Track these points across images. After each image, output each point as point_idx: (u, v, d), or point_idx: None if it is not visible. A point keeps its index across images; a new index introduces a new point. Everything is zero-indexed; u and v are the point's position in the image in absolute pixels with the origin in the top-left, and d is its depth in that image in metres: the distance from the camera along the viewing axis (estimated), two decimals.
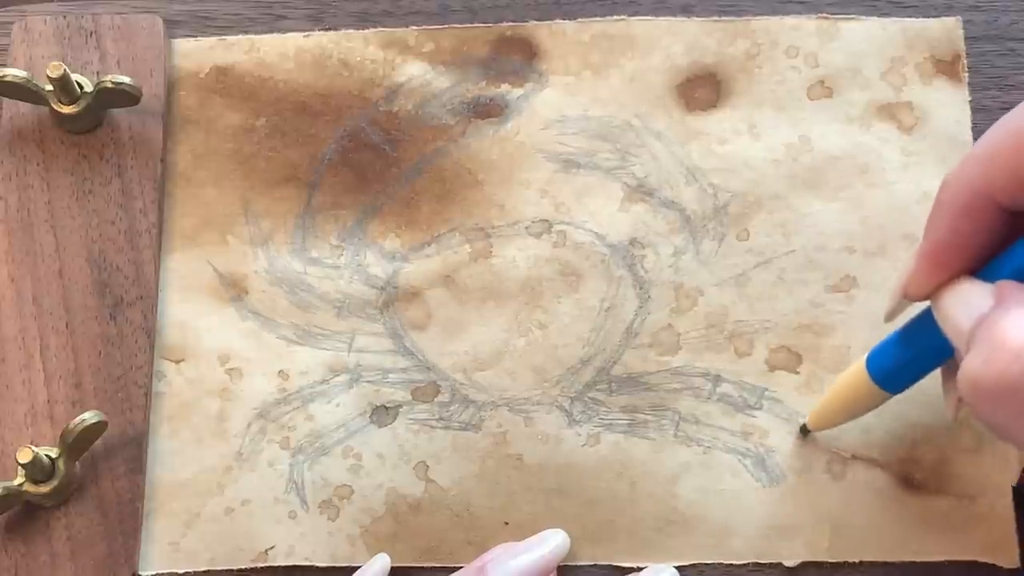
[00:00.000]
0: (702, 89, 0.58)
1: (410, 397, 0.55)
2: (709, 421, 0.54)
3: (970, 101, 0.57)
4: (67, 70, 0.55)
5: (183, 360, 0.56)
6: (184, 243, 0.57)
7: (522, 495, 0.54)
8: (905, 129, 0.57)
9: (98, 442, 0.53)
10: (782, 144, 0.57)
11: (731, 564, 0.53)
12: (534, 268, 0.56)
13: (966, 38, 0.58)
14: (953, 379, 0.46)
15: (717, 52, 0.59)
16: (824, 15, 0.59)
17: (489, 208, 0.57)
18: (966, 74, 0.58)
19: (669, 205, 0.57)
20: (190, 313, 0.56)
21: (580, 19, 0.60)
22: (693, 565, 0.53)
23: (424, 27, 0.60)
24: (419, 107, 0.59)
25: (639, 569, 0.52)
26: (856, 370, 0.50)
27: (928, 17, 0.59)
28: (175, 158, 0.58)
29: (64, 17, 0.59)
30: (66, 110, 0.57)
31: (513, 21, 0.60)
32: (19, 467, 0.51)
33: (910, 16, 0.59)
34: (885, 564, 0.52)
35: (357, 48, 0.59)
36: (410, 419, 0.55)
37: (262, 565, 0.53)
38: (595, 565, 0.53)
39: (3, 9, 0.60)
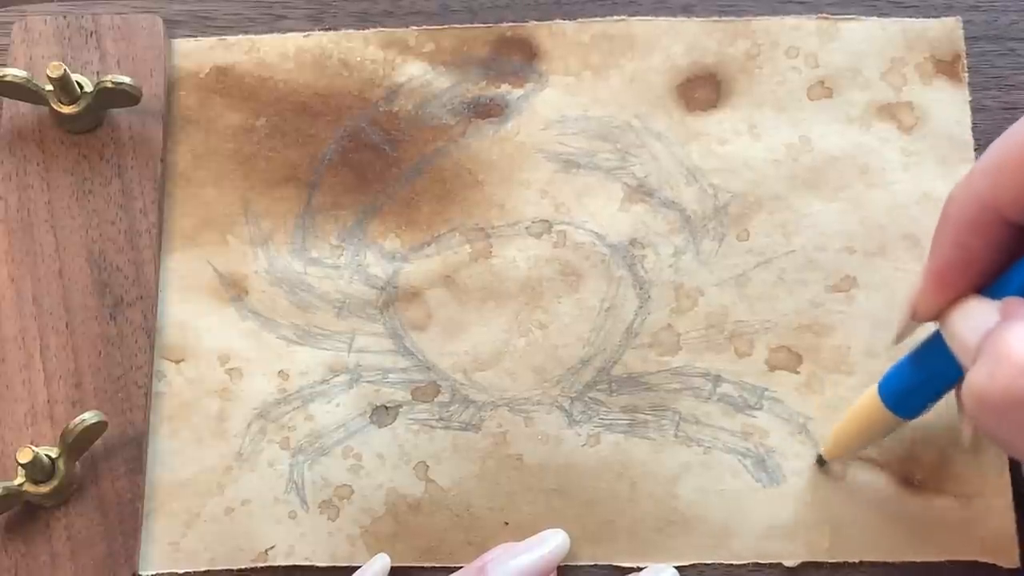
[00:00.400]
0: (702, 89, 0.58)
1: (410, 397, 0.55)
2: (709, 421, 0.54)
3: (970, 101, 0.57)
4: (67, 70, 0.55)
5: (183, 360, 0.56)
6: (184, 243, 0.57)
7: (522, 495, 0.54)
8: (905, 129, 0.57)
9: (98, 442, 0.53)
10: (782, 144, 0.57)
11: (731, 564, 0.53)
12: (534, 268, 0.56)
13: (966, 38, 0.58)
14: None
15: (717, 52, 0.59)
16: (824, 15, 0.59)
17: (489, 208, 0.57)
18: (966, 74, 0.58)
19: (669, 205, 0.57)
20: (190, 313, 0.56)
21: (580, 19, 0.60)
22: (693, 565, 0.53)
23: (424, 27, 0.60)
24: (419, 107, 0.59)
25: (639, 569, 0.52)
26: (869, 396, 0.50)
27: (928, 17, 0.59)
28: (175, 158, 0.58)
29: (64, 17, 0.59)
30: (66, 110, 0.57)
31: (513, 21, 0.60)
32: (19, 467, 0.51)
33: (910, 16, 0.59)
34: (885, 564, 0.52)
35: (357, 48, 0.59)
36: (410, 419, 0.55)
37: (262, 565, 0.53)
38: (595, 565, 0.53)
39: (3, 9, 0.60)
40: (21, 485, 0.52)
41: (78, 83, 0.57)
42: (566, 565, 0.53)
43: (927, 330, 0.46)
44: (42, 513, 0.53)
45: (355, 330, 0.56)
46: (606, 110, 0.58)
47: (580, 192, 0.57)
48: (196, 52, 0.60)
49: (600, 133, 0.58)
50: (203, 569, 0.53)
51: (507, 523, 0.53)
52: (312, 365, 0.56)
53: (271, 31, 0.60)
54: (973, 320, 0.42)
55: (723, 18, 0.59)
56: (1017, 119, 0.56)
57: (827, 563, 0.52)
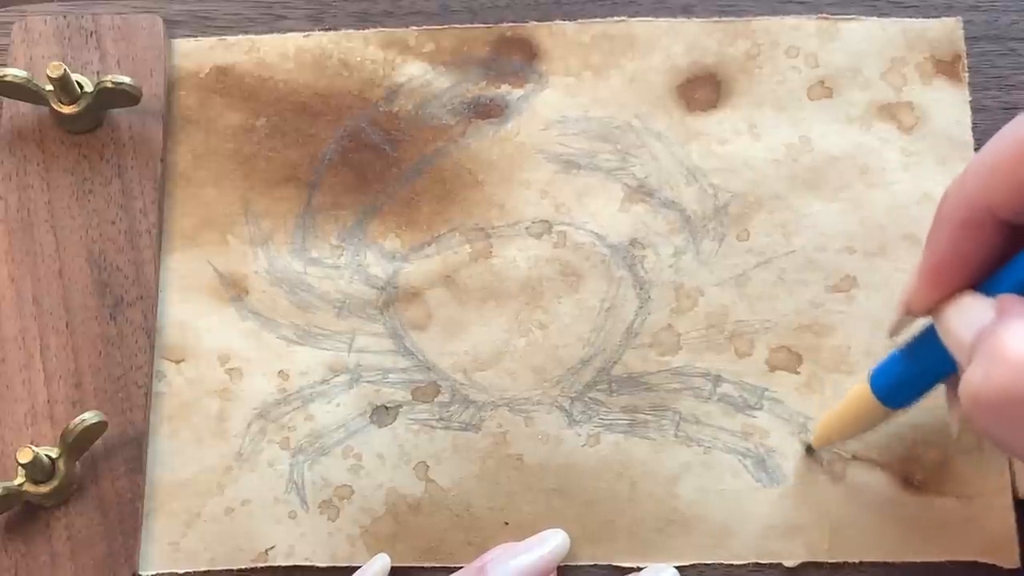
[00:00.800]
0: (702, 89, 0.58)
1: (410, 397, 0.55)
2: (709, 421, 0.54)
3: (970, 101, 0.57)
4: (67, 70, 0.55)
5: (183, 360, 0.56)
6: (184, 243, 0.57)
7: (522, 495, 0.54)
8: (905, 129, 0.57)
9: (98, 442, 0.53)
10: (782, 144, 0.57)
11: (731, 564, 0.53)
12: (534, 268, 0.56)
13: (966, 38, 0.58)
14: (956, 393, 0.46)
15: (717, 53, 0.59)
16: (824, 15, 0.59)
17: (489, 208, 0.57)
18: (966, 74, 0.58)
19: (669, 205, 0.57)
20: (190, 313, 0.56)
21: (580, 20, 0.60)
22: (693, 565, 0.53)
23: (424, 27, 0.60)
24: (419, 107, 0.59)
25: (639, 569, 0.52)
26: (859, 387, 0.50)
27: (928, 17, 0.59)
28: (175, 158, 0.58)
29: (64, 17, 0.59)
30: (66, 110, 0.57)
31: (513, 22, 0.60)
32: (19, 467, 0.51)
33: (910, 16, 0.59)
34: (885, 564, 0.52)
35: (357, 48, 0.59)
36: (410, 419, 0.55)
37: (262, 565, 0.53)
38: (595, 565, 0.53)
39: (3, 9, 0.60)
40: (21, 485, 0.52)
41: (78, 83, 0.57)
42: (566, 565, 0.53)
43: (922, 324, 0.46)
44: (42, 513, 0.53)
45: (355, 330, 0.56)
46: (606, 110, 0.58)
47: (580, 192, 0.57)
48: (196, 52, 0.60)
49: (600, 133, 0.58)
50: (203, 569, 0.53)
51: (507, 523, 0.53)
52: (312, 365, 0.56)
53: (271, 31, 0.60)
54: (967, 316, 0.42)
55: (723, 18, 0.59)
56: None
57: (827, 563, 0.52)
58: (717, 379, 0.55)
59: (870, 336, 0.55)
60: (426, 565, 0.53)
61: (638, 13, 0.60)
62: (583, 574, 0.53)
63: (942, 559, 0.52)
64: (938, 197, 0.54)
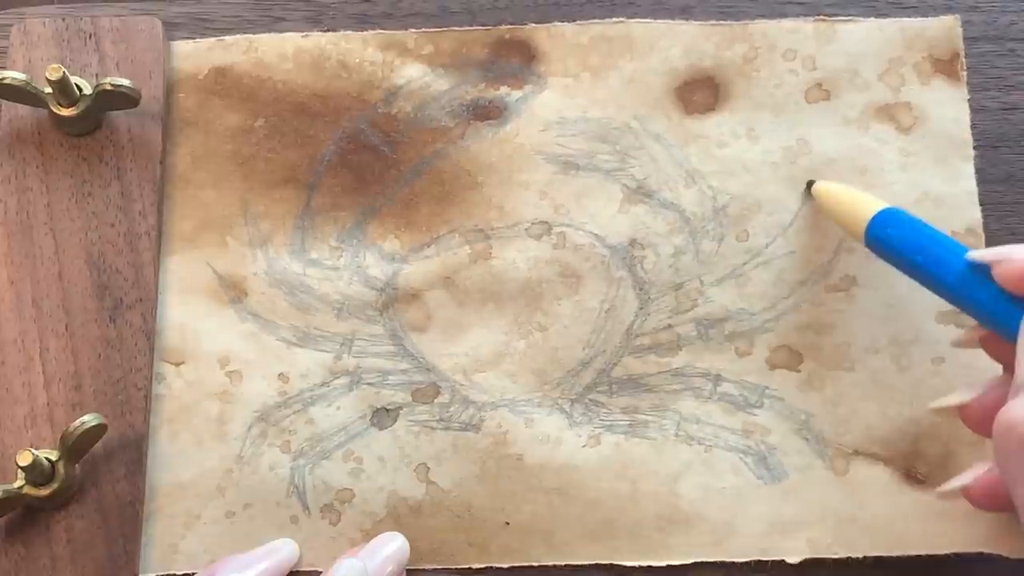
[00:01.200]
0: (700, 92, 0.59)
1: (410, 399, 0.55)
2: (710, 420, 0.54)
3: (969, 101, 0.57)
4: (66, 72, 0.55)
5: (183, 362, 0.56)
6: (183, 245, 0.57)
7: (523, 495, 0.54)
8: (903, 130, 0.57)
9: (98, 445, 0.53)
10: (780, 147, 0.57)
11: (734, 562, 0.53)
12: (534, 270, 0.56)
13: (965, 38, 0.58)
14: (977, 332, 0.50)
15: (715, 56, 0.59)
16: (822, 17, 0.59)
17: (488, 210, 0.57)
18: (965, 73, 0.58)
19: (669, 206, 0.57)
20: (190, 315, 0.56)
21: (579, 21, 0.60)
22: (695, 564, 0.52)
23: (423, 29, 0.60)
24: (418, 109, 0.59)
25: (640, 568, 0.52)
26: (862, 213, 0.52)
27: (927, 17, 0.59)
28: (174, 160, 0.58)
29: (63, 19, 0.59)
30: (65, 112, 0.57)
31: (512, 23, 0.60)
32: (19, 470, 0.51)
33: (908, 16, 0.59)
34: (890, 559, 0.52)
35: (356, 50, 0.59)
36: (410, 421, 0.55)
37: None
38: (596, 565, 0.53)
39: (2, 12, 0.60)
40: (21, 488, 0.51)
41: (77, 85, 0.57)
42: (567, 565, 0.53)
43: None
44: (42, 516, 0.53)
45: (355, 332, 0.56)
46: (605, 112, 0.58)
47: (579, 193, 0.57)
48: (195, 54, 0.60)
49: (599, 135, 0.58)
50: None
51: (508, 523, 0.53)
52: (312, 367, 0.56)
53: (270, 33, 0.60)
54: None
55: (721, 21, 0.59)
56: (1016, 120, 0.57)
57: (831, 559, 0.52)
58: (717, 379, 0.55)
59: (870, 333, 0.55)
60: (428, 567, 0.53)
61: (636, 15, 0.60)
62: (583, 574, 0.53)
63: (947, 552, 0.52)
64: (936, 196, 0.55)
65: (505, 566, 0.53)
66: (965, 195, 0.56)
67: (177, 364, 0.56)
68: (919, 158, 0.57)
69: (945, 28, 0.58)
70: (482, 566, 0.53)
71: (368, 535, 0.53)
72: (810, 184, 0.56)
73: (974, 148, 0.57)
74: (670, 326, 0.56)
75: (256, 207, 0.58)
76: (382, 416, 0.55)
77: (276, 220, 0.57)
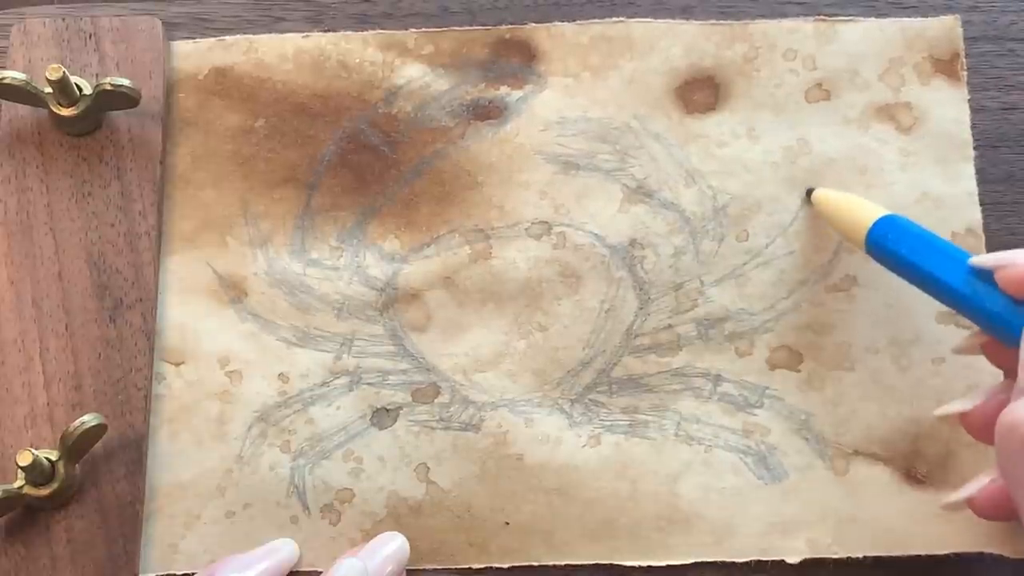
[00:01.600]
0: (701, 92, 0.59)
1: (410, 399, 0.55)
2: (710, 420, 0.54)
3: (969, 101, 0.57)
4: (66, 72, 0.55)
5: (183, 362, 0.56)
6: (183, 245, 0.57)
7: (523, 495, 0.54)
8: (903, 130, 0.57)
9: (98, 445, 0.53)
10: (780, 147, 0.57)
11: (734, 562, 0.53)
12: (534, 270, 0.56)
13: (965, 38, 0.58)
14: (979, 339, 0.49)
15: (715, 55, 0.59)
16: (822, 17, 0.59)
17: (489, 210, 0.57)
18: (965, 72, 0.58)
19: (669, 206, 0.57)
20: (190, 315, 0.56)
21: (579, 21, 0.60)
22: (695, 564, 0.52)
23: (423, 29, 0.60)
24: (418, 109, 0.59)
25: (641, 569, 0.52)
26: (862, 219, 0.52)
27: (927, 17, 0.59)
28: (174, 160, 0.58)
29: (63, 19, 0.59)
30: (65, 112, 0.57)
31: (512, 23, 0.60)
32: (19, 470, 0.51)
33: (908, 16, 0.59)
34: (890, 559, 0.52)
35: (356, 50, 0.59)
36: (410, 421, 0.55)
37: None
38: (596, 565, 0.53)
39: (2, 12, 0.60)
40: (21, 488, 0.52)
41: (77, 85, 0.57)
42: (567, 565, 0.53)
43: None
44: (42, 516, 0.53)
45: (355, 332, 0.56)
46: (605, 111, 0.58)
47: (579, 193, 0.57)
48: (195, 54, 0.60)
49: (599, 134, 0.58)
50: None
51: (508, 523, 0.53)
52: (312, 367, 0.56)
53: (270, 33, 0.60)
54: None
55: (721, 21, 0.59)
56: (1016, 120, 0.57)
57: (831, 559, 0.52)
58: (717, 379, 0.55)
59: (870, 334, 0.55)
60: (428, 567, 0.53)
61: (636, 14, 0.60)
62: (583, 574, 0.53)
63: (948, 552, 0.52)
64: (936, 196, 0.55)
65: (505, 566, 0.53)
66: (965, 195, 0.56)
67: (177, 364, 0.56)
68: (919, 158, 0.57)
69: (945, 28, 0.58)
70: (482, 566, 0.53)
71: (368, 535, 0.53)
72: (810, 192, 0.56)
73: (974, 148, 0.57)
74: (670, 326, 0.56)
75: (256, 207, 0.58)
76: (382, 416, 0.55)
77: (276, 220, 0.57)
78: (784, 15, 0.59)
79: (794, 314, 0.55)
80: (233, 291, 0.57)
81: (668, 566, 0.53)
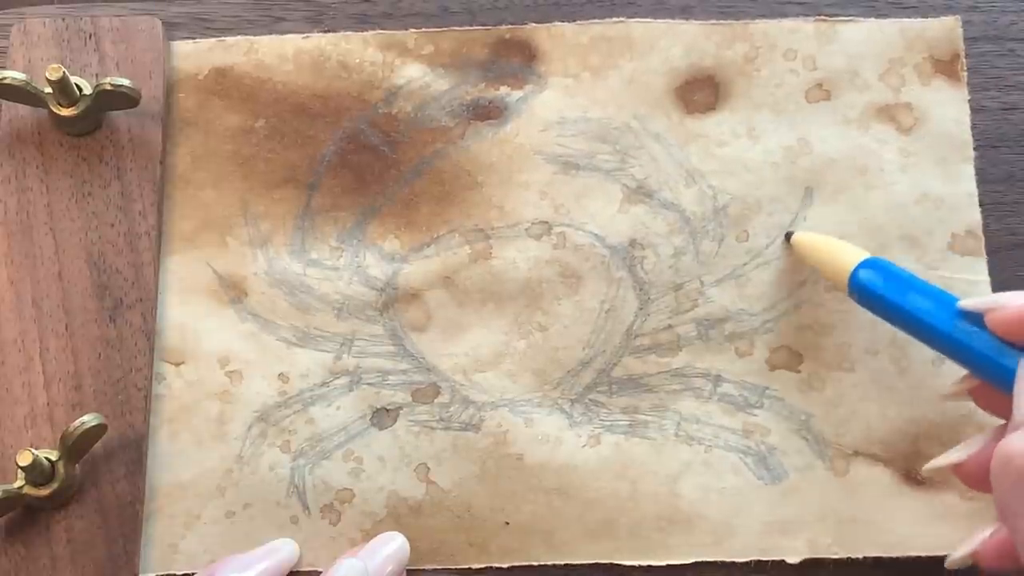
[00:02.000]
0: (701, 92, 0.59)
1: (410, 399, 0.55)
2: (710, 420, 0.54)
3: (969, 101, 0.57)
4: (66, 72, 0.55)
5: (183, 362, 0.56)
6: (183, 245, 0.57)
7: (523, 495, 0.54)
8: (903, 130, 0.57)
9: (98, 445, 0.53)
10: (780, 147, 0.57)
11: (734, 562, 0.53)
12: (534, 270, 0.56)
13: (965, 38, 0.58)
14: (968, 383, 0.49)
15: (716, 55, 0.59)
16: (822, 17, 0.59)
17: (489, 210, 0.57)
18: (965, 73, 0.58)
19: (669, 206, 0.57)
20: (190, 315, 0.56)
21: (579, 21, 0.60)
22: (695, 564, 0.53)
23: (423, 29, 0.60)
24: (418, 109, 0.59)
25: (641, 569, 0.52)
26: (844, 263, 0.52)
27: (927, 17, 0.59)
28: (174, 160, 0.58)
29: (63, 19, 0.59)
30: (65, 112, 0.56)
31: (512, 23, 0.60)
32: (19, 470, 0.51)
33: (909, 16, 0.59)
34: (890, 559, 0.52)
35: (356, 50, 0.59)
36: (410, 421, 0.55)
37: None
38: (596, 564, 0.53)
39: (2, 12, 0.60)
40: (21, 488, 0.52)
41: (77, 85, 0.57)
42: (566, 565, 0.53)
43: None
44: (42, 516, 0.53)
45: (355, 332, 0.56)
46: (605, 111, 0.58)
47: (579, 193, 0.57)
48: (195, 54, 0.60)
49: (599, 134, 0.58)
50: None
51: (508, 523, 0.53)
52: (312, 367, 0.56)
53: (270, 33, 0.60)
54: None
55: (721, 21, 0.59)
56: (1016, 120, 0.56)
57: (830, 559, 0.52)
58: (717, 379, 0.55)
59: (870, 334, 0.55)
60: (428, 567, 0.53)
61: (636, 14, 0.60)
62: (583, 574, 0.53)
63: (946, 553, 0.52)
64: (936, 197, 0.55)
65: (505, 566, 0.53)
66: (965, 196, 0.56)
67: (177, 364, 0.56)
68: (919, 158, 0.57)
69: (945, 28, 0.58)
70: (482, 566, 0.53)
71: (368, 535, 0.53)
72: (788, 235, 0.56)
73: (974, 148, 0.57)
74: (670, 326, 0.56)
75: (256, 207, 0.58)
76: (382, 416, 0.55)
77: (276, 220, 0.57)
78: (784, 15, 0.59)
79: (794, 315, 0.55)
80: (233, 291, 0.57)
81: (668, 566, 0.53)
